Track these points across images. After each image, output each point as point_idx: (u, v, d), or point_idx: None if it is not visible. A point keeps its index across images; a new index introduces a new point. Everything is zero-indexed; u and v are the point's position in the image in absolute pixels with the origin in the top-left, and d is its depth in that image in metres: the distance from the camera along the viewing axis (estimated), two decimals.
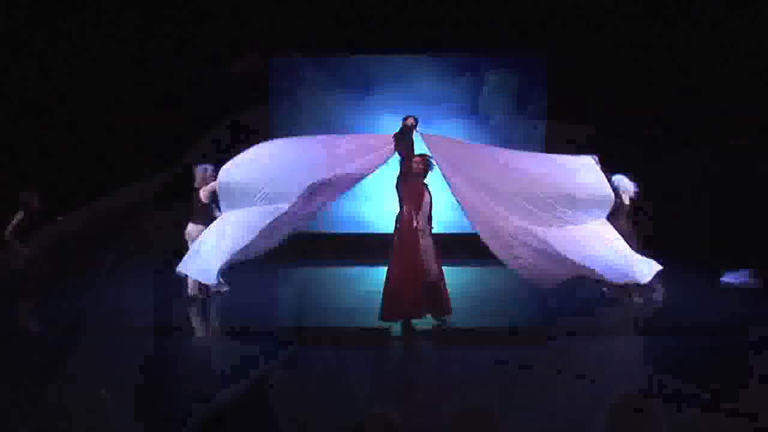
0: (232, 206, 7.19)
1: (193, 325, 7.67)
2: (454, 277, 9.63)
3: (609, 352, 6.75)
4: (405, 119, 7.22)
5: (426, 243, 7.25)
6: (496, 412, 4.05)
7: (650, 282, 7.38)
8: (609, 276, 7.04)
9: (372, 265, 9.79)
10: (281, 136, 11.55)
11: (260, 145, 7.39)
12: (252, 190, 7.07)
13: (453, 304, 7.43)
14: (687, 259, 9.65)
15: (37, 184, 9.38)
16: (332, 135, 7.93)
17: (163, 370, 6.07)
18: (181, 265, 7.30)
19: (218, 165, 7.44)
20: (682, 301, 8.22)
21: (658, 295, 8.33)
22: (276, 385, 5.74)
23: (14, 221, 8.84)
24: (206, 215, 8.38)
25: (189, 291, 8.38)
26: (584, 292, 8.76)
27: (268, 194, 7.04)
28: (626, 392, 5.14)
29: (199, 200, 8.50)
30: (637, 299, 8.25)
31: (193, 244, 7.40)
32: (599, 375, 5.91)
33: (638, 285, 7.52)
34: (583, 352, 6.66)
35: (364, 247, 9.59)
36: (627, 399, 3.85)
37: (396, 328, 7.15)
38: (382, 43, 11.67)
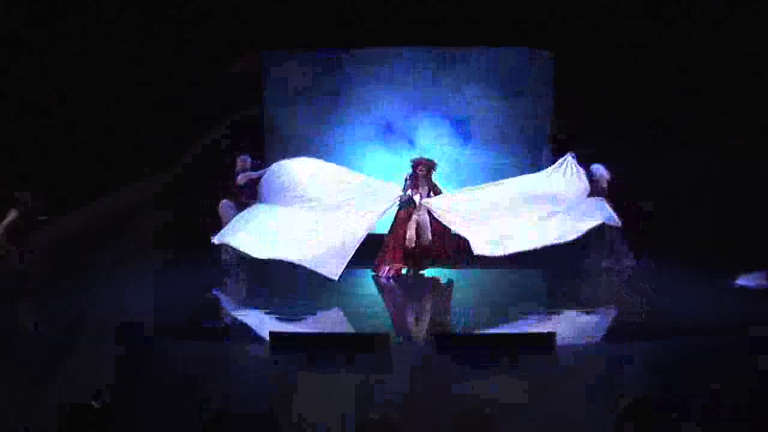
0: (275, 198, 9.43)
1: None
2: (454, 278, 9.69)
3: (609, 352, 6.75)
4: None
5: (421, 218, 9.30)
6: (496, 413, 4.05)
7: (622, 252, 9.61)
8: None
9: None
10: (280, 136, 11.72)
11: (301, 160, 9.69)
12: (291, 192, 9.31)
13: (454, 305, 7.51)
14: (687, 259, 9.65)
15: (37, 184, 9.36)
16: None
17: (163, 370, 6.08)
18: (218, 236, 9.32)
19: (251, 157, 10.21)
20: (682, 302, 8.21)
21: (630, 261, 9.73)
22: (277, 387, 5.74)
23: (6, 221, 8.75)
24: (239, 195, 10.00)
25: (223, 256, 9.85)
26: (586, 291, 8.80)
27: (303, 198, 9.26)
28: (626, 393, 5.14)
29: (236, 183, 10.02)
30: (614, 265, 9.64)
31: (233, 221, 9.46)
32: (600, 376, 5.91)
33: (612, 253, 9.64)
34: (583, 353, 6.67)
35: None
36: (627, 401, 3.85)
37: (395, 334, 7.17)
38: (383, 41, 11.65)
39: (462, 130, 11.94)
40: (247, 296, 9.45)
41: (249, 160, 10.18)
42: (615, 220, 9.47)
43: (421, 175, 9.43)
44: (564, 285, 8.95)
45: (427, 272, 9.75)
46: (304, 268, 9.26)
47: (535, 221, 9.13)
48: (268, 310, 8.19)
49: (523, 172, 10.49)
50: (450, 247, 9.58)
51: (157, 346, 6.61)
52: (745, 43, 10.67)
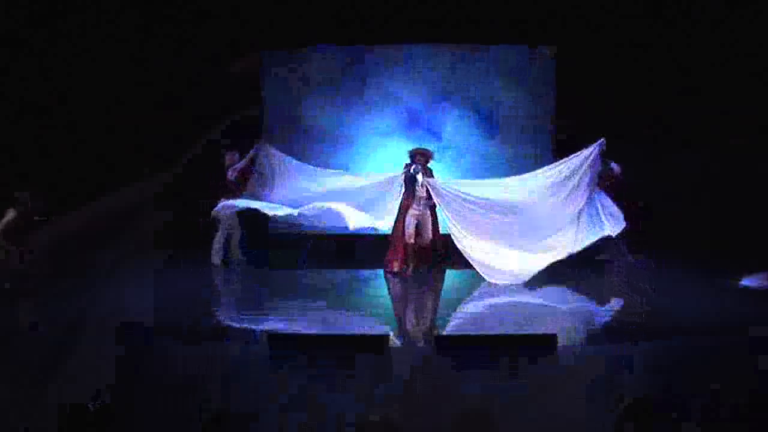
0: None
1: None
2: (453, 279, 9.70)
3: (609, 352, 6.75)
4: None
5: (422, 213, 9.65)
6: (496, 413, 4.06)
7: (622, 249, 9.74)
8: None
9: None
10: (279, 136, 11.70)
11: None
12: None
13: (455, 305, 7.75)
14: (687, 259, 9.65)
15: (37, 184, 9.35)
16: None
17: (163, 370, 6.08)
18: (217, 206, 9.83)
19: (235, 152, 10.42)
20: (682, 302, 8.21)
21: (629, 258, 9.86)
22: (276, 387, 5.74)
23: (5, 220, 8.73)
24: (232, 190, 10.15)
25: (212, 260, 10.13)
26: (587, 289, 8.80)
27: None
28: (626, 393, 5.14)
29: (227, 178, 10.23)
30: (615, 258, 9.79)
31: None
32: (600, 376, 5.91)
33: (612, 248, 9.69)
34: (583, 353, 6.67)
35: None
36: (627, 401, 3.86)
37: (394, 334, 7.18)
38: (383, 38, 11.64)
39: (469, 125, 11.93)
40: (248, 296, 9.46)
41: (237, 155, 10.37)
42: (615, 224, 9.45)
43: (420, 164, 9.76)
44: (564, 285, 8.94)
45: (428, 271, 9.75)
46: (304, 268, 9.27)
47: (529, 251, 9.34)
48: (268, 311, 8.19)
49: (528, 169, 10.54)
50: (449, 246, 9.65)
51: (157, 346, 6.61)
52: (745, 43, 10.66)
